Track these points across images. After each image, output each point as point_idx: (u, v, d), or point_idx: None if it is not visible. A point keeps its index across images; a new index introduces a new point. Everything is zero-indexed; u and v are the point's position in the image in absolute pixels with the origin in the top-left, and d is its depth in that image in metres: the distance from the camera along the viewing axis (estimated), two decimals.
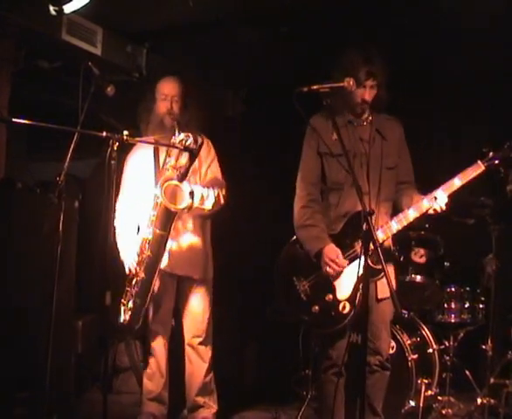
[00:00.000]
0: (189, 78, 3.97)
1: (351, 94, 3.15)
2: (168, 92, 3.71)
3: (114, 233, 3.56)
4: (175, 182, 3.44)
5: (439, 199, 3.08)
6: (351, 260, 3.15)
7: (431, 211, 3.13)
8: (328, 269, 3.14)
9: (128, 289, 3.58)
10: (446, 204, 3.10)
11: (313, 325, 3.29)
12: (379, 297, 3.21)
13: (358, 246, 3.09)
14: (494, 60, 4.64)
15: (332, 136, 3.18)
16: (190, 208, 3.54)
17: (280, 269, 3.35)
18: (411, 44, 4.49)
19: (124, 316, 3.55)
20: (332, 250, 3.14)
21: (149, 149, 3.78)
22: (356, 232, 3.08)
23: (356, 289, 3.09)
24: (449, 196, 3.11)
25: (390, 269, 3.24)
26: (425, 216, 3.16)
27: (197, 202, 3.57)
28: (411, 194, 3.26)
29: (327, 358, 3.29)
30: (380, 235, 3.12)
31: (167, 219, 3.47)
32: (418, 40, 4.48)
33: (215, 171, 3.85)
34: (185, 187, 3.49)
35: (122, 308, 3.56)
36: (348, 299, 3.14)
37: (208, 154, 3.82)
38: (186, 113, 3.71)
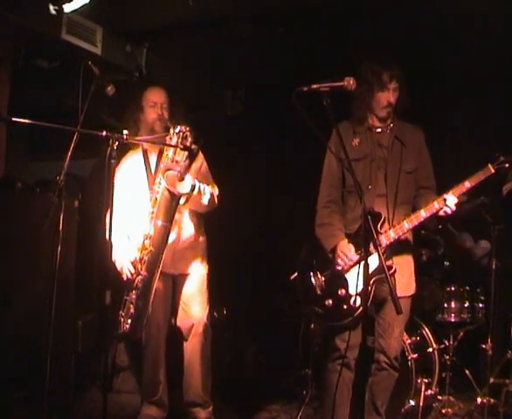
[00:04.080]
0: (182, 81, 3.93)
1: (376, 99, 3.33)
2: (157, 99, 3.76)
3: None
4: (174, 172, 3.45)
5: (448, 201, 3.20)
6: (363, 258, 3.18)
7: (441, 213, 3.24)
8: (339, 261, 3.29)
9: (127, 298, 3.52)
10: (456, 204, 3.21)
11: (326, 317, 3.39)
12: (398, 295, 3.21)
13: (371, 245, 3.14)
14: (494, 60, 4.65)
15: (352, 142, 3.38)
16: (189, 197, 3.57)
17: (300, 264, 3.50)
18: (411, 44, 4.49)
19: (124, 325, 3.49)
20: (344, 245, 3.30)
21: (138, 157, 3.78)
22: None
23: (367, 284, 3.12)
24: (458, 197, 3.22)
25: (409, 259, 3.42)
26: (436, 218, 3.31)
27: (196, 193, 3.59)
28: (429, 199, 3.33)
29: (335, 349, 3.36)
30: (391, 234, 3.25)
31: (169, 209, 3.47)
32: (419, 39, 4.48)
33: (205, 173, 3.86)
34: (187, 177, 3.51)
35: (122, 319, 3.50)
36: (359, 294, 3.23)
37: (197, 157, 3.78)
38: (175, 120, 3.71)
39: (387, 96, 3.32)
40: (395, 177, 3.35)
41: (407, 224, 3.25)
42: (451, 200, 3.20)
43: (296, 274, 3.54)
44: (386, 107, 3.35)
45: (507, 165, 3.20)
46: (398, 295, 3.18)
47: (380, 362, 3.36)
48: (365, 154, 3.36)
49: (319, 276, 3.39)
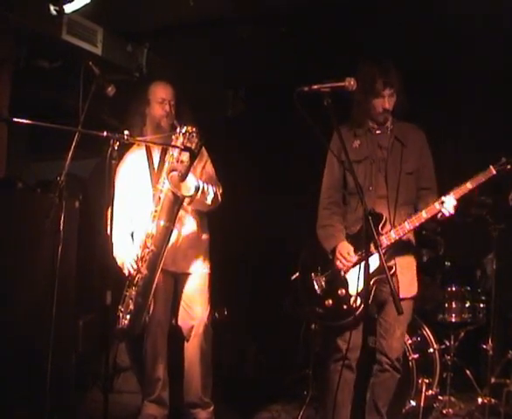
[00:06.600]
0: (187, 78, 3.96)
1: (371, 105, 3.32)
2: (165, 96, 3.75)
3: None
4: (179, 174, 3.45)
5: (446, 203, 3.19)
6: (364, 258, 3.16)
7: (439, 216, 3.22)
8: (338, 263, 3.33)
9: (127, 293, 3.52)
10: (455, 207, 3.20)
11: (326, 317, 3.43)
12: (400, 296, 3.21)
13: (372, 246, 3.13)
14: (494, 60, 4.65)
15: (353, 144, 3.39)
16: (193, 199, 3.57)
17: (302, 265, 3.55)
18: (411, 44, 4.50)
19: (122, 321, 3.49)
20: (344, 247, 3.33)
21: (142, 152, 3.78)
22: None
23: (367, 284, 3.14)
24: (458, 200, 3.21)
25: (411, 260, 3.42)
26: (435, 221, 3.28)
27: (199, 194, 3.59)
28: (429, 200, 3.33)
29: (336, 350, 3.38)
30: (392, 235, 3.26)
31: (172, 210, 3.47)
32: (419, 39, 4.48)
33: (209, 171, 3.87)
34: (191, 178, 3.51)
35: (120, 315, 3.50)
36: (359, 294, 3.26)
37: (201, 155, 3.78)
38: (181, 119, 3.71)
39: (382, 103, 3.31)
40: (395, 178, 3.35)
41: (408, 225, 3.26)
42: (449, 202, 3.19)
43: (297, 274, 3.57)
44: (383, 113, 3.36)
45: (508, 166, 3.19)
46: (401, 296, 3.22)
47: (382, 363, 3.37)
48: (365, 156, 3.38)
49: (320, 276, 3.42)
